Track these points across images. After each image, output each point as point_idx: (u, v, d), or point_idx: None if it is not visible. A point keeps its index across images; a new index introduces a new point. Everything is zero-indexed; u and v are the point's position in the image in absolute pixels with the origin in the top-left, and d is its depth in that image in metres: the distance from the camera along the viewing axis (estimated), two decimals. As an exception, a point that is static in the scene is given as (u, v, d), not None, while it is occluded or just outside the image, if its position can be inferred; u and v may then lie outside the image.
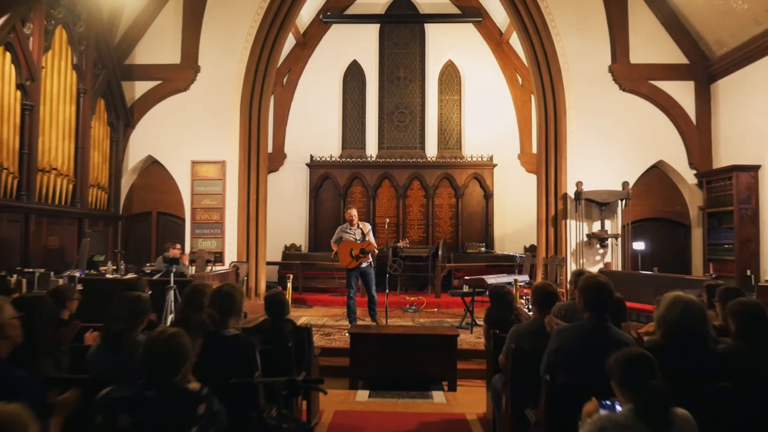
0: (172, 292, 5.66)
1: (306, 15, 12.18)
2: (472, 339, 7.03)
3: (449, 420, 4.82)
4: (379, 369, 5.80)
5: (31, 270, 5.64)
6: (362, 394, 5.51)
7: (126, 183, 9.60)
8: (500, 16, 11.76)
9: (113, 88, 8.91)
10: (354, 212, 7.76)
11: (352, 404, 5.23)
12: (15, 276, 5.42)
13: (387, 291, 7.66)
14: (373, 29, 12.87)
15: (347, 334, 6.53)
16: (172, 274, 5.76)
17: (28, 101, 6.94)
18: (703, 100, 9.17)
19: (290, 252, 12.13)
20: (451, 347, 5.80)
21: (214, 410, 2.06)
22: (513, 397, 3.27)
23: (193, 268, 7.61)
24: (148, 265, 7.86)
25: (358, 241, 7.47)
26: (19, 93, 6.84)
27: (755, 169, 7.97)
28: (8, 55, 6.63)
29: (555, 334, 2.84)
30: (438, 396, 5.49)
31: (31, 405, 1.74)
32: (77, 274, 6.46)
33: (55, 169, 7.51)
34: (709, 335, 2.66)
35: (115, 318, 2.79)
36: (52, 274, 5.66)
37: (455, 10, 12.48)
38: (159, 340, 2.12)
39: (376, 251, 7.64)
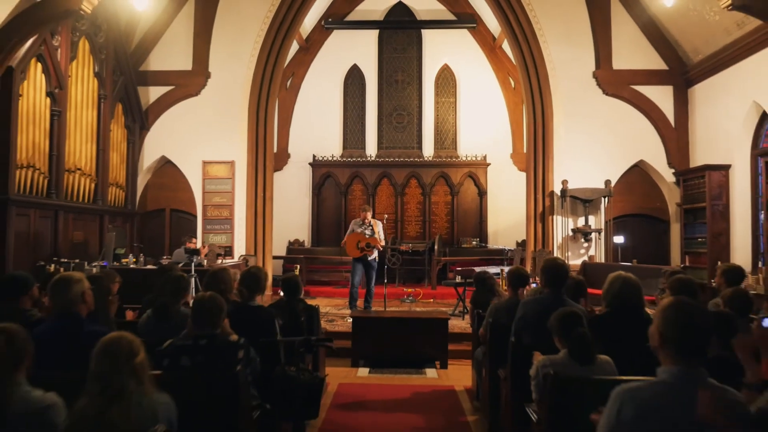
0: (193, 279, 6.30)
1: (308, 21, 12.78)
2: (463, 324, 7.67)
3: (440, 391, 5.47)
4: (378, 349, 6.45)
5: (66, 260, 6.28)
6: (363, 371, 6.16)
7: (141, 182, 10.23)
8: (494, 22, 12.37)
9: (130, 93, 9.53)
10: (368, 211, 8.35)
11: (354, 379, 5.88)
12: (52, 265, 6.05)
13: (386, 281, 8.31)
14: (373, 35, 13.48)
15: (349, 320, 7.18)
16: (193, 264, 6.41)
17: (56, 107, 7.58)
18: (681, 103, 9.80)
19: (294, 247, 12.77)
20: (443, 330, 6.46)
21: (250, 356, 2.70)
22: (490, 361, 3.92)
23: (206, 261, 8.24)
24: (165, 257, 8.50)
25: (368, 236, 8.09)
26: (48, 100, 7.48)
27: (726, 168, 8.61)
28: (39, 65, 7.26)
29: (520, 306, 3.49)
30: (431, 372, 6.14)
31: None
32: (103, 265, 7.11)
33: (79, 169, 8.15)
34: (643, 304, 3.30)
35: (162, 293, 3.44)
36: (86, 263, 6.30)
37: (451, 17, 13.09)
38: (204, 301, 2.77)
39: (381, 248, 8.23)
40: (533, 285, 4.71)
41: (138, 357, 1.96)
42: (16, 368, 1.89)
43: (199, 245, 9.56)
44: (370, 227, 8.14)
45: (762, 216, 8.04)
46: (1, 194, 6.55)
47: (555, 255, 9.57)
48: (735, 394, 1.72)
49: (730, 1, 6.14)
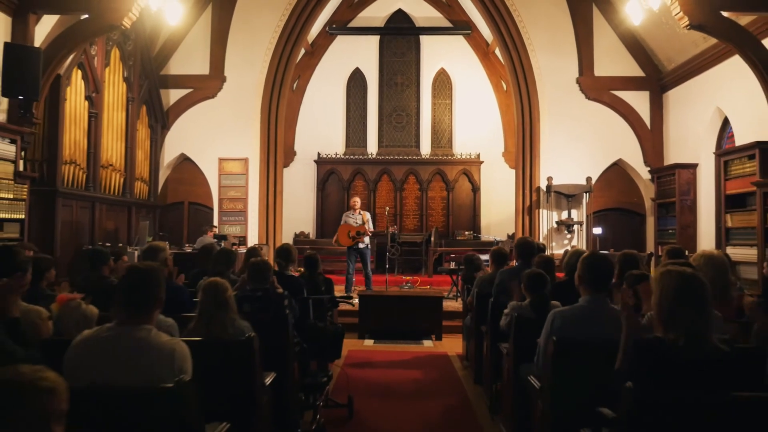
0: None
1: (314, 27, 13.64)
2: (456, 305, 8.59)
3: (435, 356, 6.41)
4: (381, 324, 7.37)
5: (109, 245, 7.18)
6: (368, 342, 7.09)
7: (162, 177, 11.12)
8: (487, 29, 13.19)
9: (153, 96, 10.42)
10: (357, 200, 9.31)
11: (361, 347, 6.81)
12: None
13: (387, 267, 9.23)
14: (374, 40, 14.37)
15: (355, 301, 8.08)
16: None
17: (93, 110, 8.47)
18: (656, 107, 10.74)
19: (300, 239, 13.67)
20: (438, 306, 7.40)
21: (293, 304, 3.62)
22: (475, 319, 4.86)
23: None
24: (188, 245, 9.41)
25: (357, 226, 8.99)
26: (87, 103, 8.37)
27: (693, 167, 9.56)
28: (79, 72, 8.16)
29: (498, 274, 4.42)
30: (427, 343, 7.07)
31: (187, 303, 3.31)
32: (137, 250, 8.01)
33: (111, 165, 9.05)
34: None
35: (217, 263, 4.35)
36: (128, 247, 7.21)
37: (447, 24, 13.98)
38: (259, 263, 3.69)
39: (370, 234, 9.09)
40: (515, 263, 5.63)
41: (228, 292, 2.87)
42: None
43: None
44: (360, 216, 9.03)
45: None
46: (51, 187, 7.45)
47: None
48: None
49: (688, 22, 7.08)
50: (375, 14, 13.97)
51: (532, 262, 4.41)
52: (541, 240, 10.60)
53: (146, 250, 3.73)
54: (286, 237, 12.97)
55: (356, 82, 14.50)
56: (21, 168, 6.94)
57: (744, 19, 7.57)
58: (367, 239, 9.03)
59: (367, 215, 9.18)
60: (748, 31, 7.34)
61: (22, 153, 7.06)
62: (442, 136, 14.39)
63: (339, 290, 10.41)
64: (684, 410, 1.73)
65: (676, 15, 7.15)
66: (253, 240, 10.77)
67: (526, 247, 4.34)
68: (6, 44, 6.72)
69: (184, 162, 11.23)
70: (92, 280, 4.34)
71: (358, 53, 14.26)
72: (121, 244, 7.80)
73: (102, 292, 3.87)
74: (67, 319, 2.93)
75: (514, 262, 5.39)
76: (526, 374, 3.08)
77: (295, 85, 14.16)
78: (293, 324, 3.63)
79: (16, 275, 2.82)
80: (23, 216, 6.84)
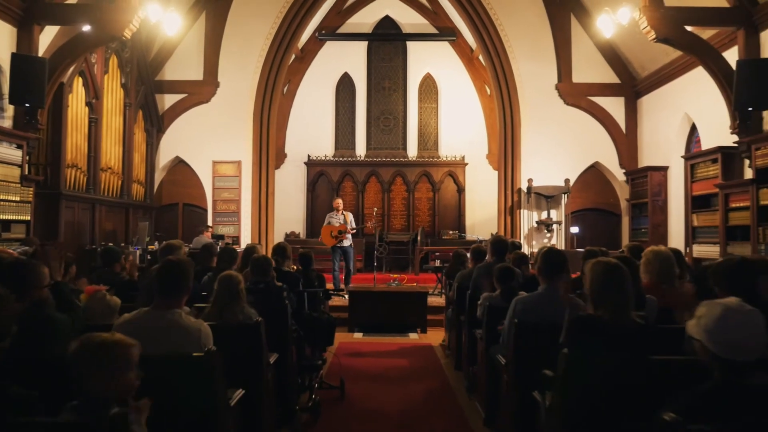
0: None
1: (304, 33, 14.07)
2: (441, 301, 9.06)
3: (420, 346, 6.88)
4: (370, 318, 7.81)
5: (111, 245, 7.56)
6: (358, 335, 7.54)
7: (157, 179, 11.49)
8: (471, 36, 13.77)
9: (149, 101, 10.80)
10: (339, 201, 9.75)
11: (351, 340, 7.26)
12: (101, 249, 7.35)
13: (375, 265, 9.68)
14: (362, 46, 14.82)
15: (345, 296, 8.52)
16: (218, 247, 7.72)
17: (93, 115, 8.85)
18: (631, 112, 11.30)
19: (290, 238, 14.07)
20: (423, 302, 7.87)
21: (291, 296, 4.07)
22: (455, 310, 5.33)
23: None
24: (185, 245, 9.77)
25: (339, 225, 9.40)
26: (87, 109, 8.75)
27: (664, 169, 10.13)
28: (80, 79, 8.53)
29: (475, 270, 4.90)
30: (413, 335, 7.54)
31: (195, 296, 3.75)
32: (134, 249, 8.40)
33: (110, 168, 9.42)
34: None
35: (221, 260, 4.78)
36: (130, 247, 7.60)
37: (433, 30, 14.46)
38: (260, 259, 4.14)
39: (352, 232, 9.48)
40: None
41: (240, 285, 3.31)
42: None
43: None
44: (343, 217, 9.46)
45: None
46: (55, 189, 7.83)
47: (522, 243, 11.03)
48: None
49: (654, 36, 7.61)
50: (363, 20, 14.42)
51: (505, 257, 4.90)
52: (522, 239, 11.13)
53: (164, 248, 4.15)
54: (278, 237, 13.36)
55: (345, 86, 14.93)
56: (26, 172, 7.33)
57: (706, 33, 8.13)
58: (349, 237, 9.43)
59: (350, 216, 9.60)
60: (710, 44, 7.90)
61: (28, 157, 7.44)
62: (428, 139, 14.86)
63: (328, 287, 10.85)
64: (606, 369, 2.19)
65: (643, 29, 7.68)
66: (246, 239, 11.17)
67: (500, 245, 4.83)
68: (13, 55, 7.11)
69: (179, 164, 11.61)
70: (105, 275, 4.76)
71: (346, 58, 14.69)
72: (123, 244, 8.18)
73: (115, 286, 4.31)
74: (94, 308, 3.35)
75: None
76: (495, 353, 3.55)
77: (285, 89, 14.56)
78: (291, 313, 4.07)
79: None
80: (29, 217, 7.22)
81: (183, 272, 2.56)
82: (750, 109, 7.31)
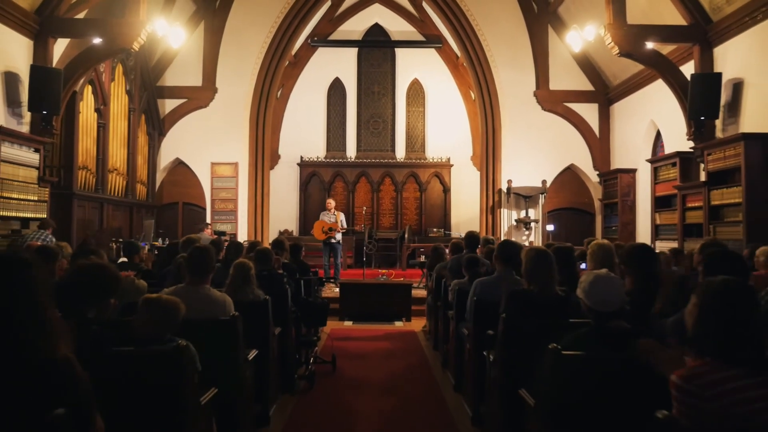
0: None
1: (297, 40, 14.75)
2: (424, 293, 9.79)
3: (404, 332, 7.61)
4: (359, 308, 8.52)
5: (122, 240, 8.24)
6: (348, 323, 8.25)
7: (158, 179, 12.14)
8: (456, 45, 14.50)
9: (151, 106, 11.44)
10: (331, 202, 10.49)
11: (342, 327, 7.96)
12: (114, 244, 8.02)
13: (365, 261, 10.40)
14: (353, 52, 15.51)
15: (336, 289, 9.22)
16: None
17: (101, 120, 9.50)
18: (604, 118, 12.09)
19: (284, 235, 14.74)
20: (408, 293, 8.60)
21: (290, 282, 4.77)
22: (434, 298, 6.06)
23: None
24: (174, 241, 10.45)
25: (330, 223, 10.13)
26: (96, 115, 9.39)
27: (633, 171, 10.92)
28: (90, 87, 9.17)
29: (450, 261, 5.62)
30: (398, 323, 8.26)
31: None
32: (142, 245, 9.05)
33: (116, 169, 10.07)
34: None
35: (228, 252, 5.46)
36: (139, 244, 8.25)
37: (420, 38, 15.18)
38: (263, 249, 4.84)
39: (341, 230, 10.19)
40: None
41: (251, 271, 4.01)
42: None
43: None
44: (334, 216, 10.19)
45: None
46: (68, 190, 8.47)
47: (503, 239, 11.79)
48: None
49: (618, 51, 8.38)
50: (354, 28, 15.11)
51: (476, 250, 5.63)
52: (502, 236, 11.88)
53: (185, 241, 4.85)
54: (272, 234, 14.04)
55: (336, 90, 15.62)
56: (43, 173, 7.98)
57: (666, 48, 8.91)
58: (339, 236, 10.14)
59: (341, 215, 10.32)
60: (669, 59, 8.68)
61: (44, 160, 8.09)
62: (415, 141, 15.58)
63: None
64: (535, 330, 2.90)
65: (608, 45, 8.44)
66: (242, 236, 11.84)
67: (472, 240, 5.56)
68: (32, 66, 7.76)
69: (179, 166, 12.25)
70: (126, 265, 5.44)
71: (338, 64, 15.37)
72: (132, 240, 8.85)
73: (137, 274, 4.99)
74: (128, 289, 4.05)
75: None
76: (461, 328, 4.28)
77: (279, 93, 15.21)
78: (291, 296, 4.78)
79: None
80: (45, 215, 7.86)
81: (209, 256, 3.26)
82: (702, 118, 8.10)
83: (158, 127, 11.77)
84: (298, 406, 4.34)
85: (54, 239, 6.47)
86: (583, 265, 4.58)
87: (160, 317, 2.45)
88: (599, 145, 12.07)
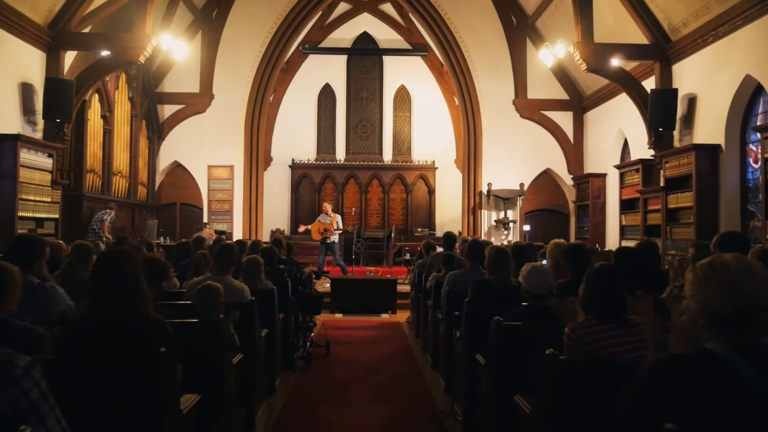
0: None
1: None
2: (408, 288, 10.53)
3: (389, 323, 8.36)
4: (349, 302, 9.23)
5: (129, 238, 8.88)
6: (338, 315, 8.97)
7: (157, 181, 12.77)
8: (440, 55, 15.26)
9: (151, 111, 12.08)
10: (327, 205, 11.18)
11: (333, 319, 8.68)
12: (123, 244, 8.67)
13: (353, 259, 11.12)
14: (342, 59, 16.22)
15: (327, 285, 9.92)
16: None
17: (107, 126, 10.14)
18: (578, 125, 12.92)
19: (276, 235, 15.42)
20: (394, 288, 9.34)
21: (290, 276, 5.50)
22: (415, 291, 6.81)
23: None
24: (184, 240, 11.10)
25: (326, 224, 10.83)
26: (102, 121, 10.03)
27: (603, 176, 11.76)
28: (97, 95, 9.81)
29: (430, 258, 6.38)
30: (385, 315, 8.99)
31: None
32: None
33: (120, 172, 10.71)
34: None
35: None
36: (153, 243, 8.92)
37: (407, 46, 15.92)
38: (267, 247, 5.55)
39: (337, 232, 10.91)
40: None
41: (262, 266, 4.72)
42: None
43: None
44: (331, 218, 10.89)
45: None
46: (78, 192, 9.11)
47: (482, 239, 12.58)
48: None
49: (586, 67, 9.18)
50: (343, 36, 15.81)
51: (453, 248, 6.38)
52: (482, 236, 12.67)
53: (195, 240, 5.55)
54: (265, 233, 14.72)
55: (326, 95, 16.32)
56: (55, 177, 8.61)
57: (630, 65, 9.72)
58: (335, 236, 10.85)
59: (338, 217, 11.02)
60: (632, 74, 9.51)
61: (56, 164, 8.73)
62: (402, 145, 16.33)
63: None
64: (492, 310, 3.65)
65: (577, 61, 9.24)
66: (238, 235, 12.51)
67: (449, 238, 6.31)
68: (47, 78, 8.41)
69: (177, 168, 12.90)
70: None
71: (328, 70, 16.07)
72: (139, 239, 9.51)
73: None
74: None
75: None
76: (437, 314, 5.03)
77: (271, 98, 15.88)
78: (290, 288, 5.50)
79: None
80: (57, 216, 8.53)
81: (232, 252, 3.99)
82: (661, 129, 8.93)
83: (158, 132, 12.40)
84: (298, 380, 5.08)
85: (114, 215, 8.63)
86: (544, 261, 5.37)
87: (210, 297, 3.19)
88: (573, 150, 12.89)
